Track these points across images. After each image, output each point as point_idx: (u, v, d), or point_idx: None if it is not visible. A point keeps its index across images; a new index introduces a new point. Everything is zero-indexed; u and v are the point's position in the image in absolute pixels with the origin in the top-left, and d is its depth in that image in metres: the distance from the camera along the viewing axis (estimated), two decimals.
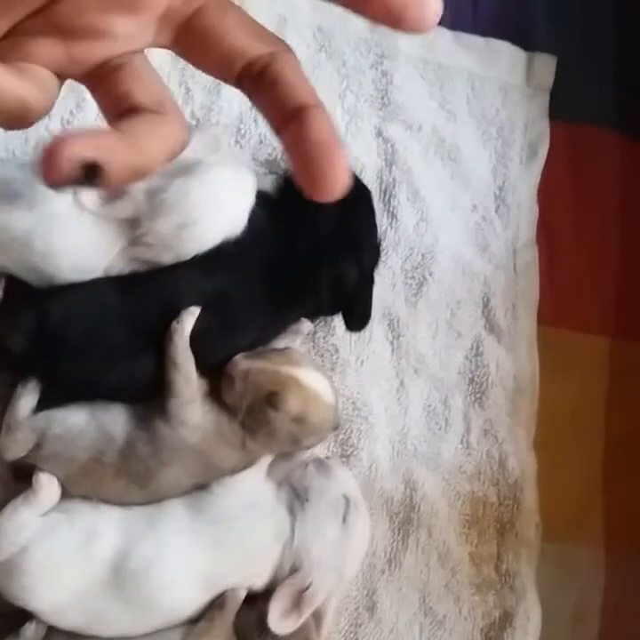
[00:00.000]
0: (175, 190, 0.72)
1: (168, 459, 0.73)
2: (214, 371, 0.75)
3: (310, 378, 0.74)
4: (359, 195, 0.86)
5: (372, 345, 0.88)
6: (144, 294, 0.74)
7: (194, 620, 0.73)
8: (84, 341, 0.72)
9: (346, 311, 0.83)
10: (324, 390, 0.75)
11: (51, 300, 0.72)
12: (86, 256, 0.73)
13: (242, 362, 0.74)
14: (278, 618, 0.72)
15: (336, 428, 0.79)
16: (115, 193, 0.71)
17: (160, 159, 0.31)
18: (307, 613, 0.73)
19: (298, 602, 0.72)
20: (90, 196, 0.70)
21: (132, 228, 0.72)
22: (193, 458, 0.73)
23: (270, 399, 0.72)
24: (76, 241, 0.72)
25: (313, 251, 0.80)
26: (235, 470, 0.75)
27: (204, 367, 0.74)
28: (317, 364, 0.84)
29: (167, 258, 0.73)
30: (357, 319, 0.84)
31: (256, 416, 0.73)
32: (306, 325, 0.83)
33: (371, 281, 0.84)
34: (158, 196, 0.71)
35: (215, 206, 0.73)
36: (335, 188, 0.28)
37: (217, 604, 0.73)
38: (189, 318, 0.73)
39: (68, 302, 0.72)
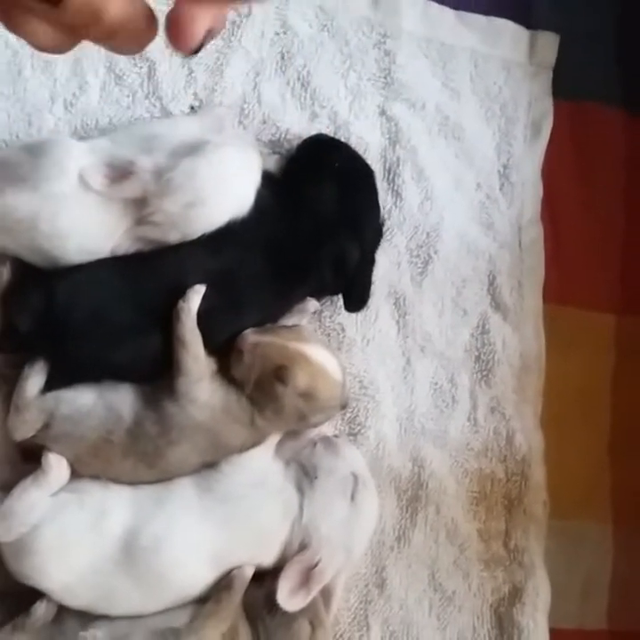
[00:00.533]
0: (183, 170, 0.71)
1: (176, 437, 0.73)
2: (222, 349, 0.75)
3: (319, 354, 0.74)
4: (362, 175, 0.86)
5: (379, 324, 0.88)
6: (150, 274, 0.74)
7: (203, 599, 0.73)
8: (91, 321, 0.72)
9: (345, 291, 0.83)
10: (332, 367, 0.75)
11: (57, 280, 0.72)
12: (92, 237, 0.73)
13: (251, 336, 0.74)
14: (287, 595, 0.72)
15: (344, 406, 0.79)
16: (122, 173, 0.71)
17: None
18: (315, 590, 0.73)
19: (307, 579, 0.73)
20: (96, 176, 0.70)
21: (138, 207, 0.72)
22: (201, 436, 0.73)
23: (278, 373, 0.72)
24: (81, 222, 0.72)
25: (315, 230, 0.80)
26: (243, 448, 0.75)
27: (211, 346, 0.74)
28: (324, 342, 0.84)
29: (174, 237, 0.73)
30: (355, 300, 0.84)
31: (264, 390, 0.73)
32: (312, 304, 0.83)
33: (371, 262, 0.85)
34: (166, 176, 0.71)
35: (223, 186, 0.73)
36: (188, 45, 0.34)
37: (224, 584, 0.73)
38: (195, 297, 0.73)
39: (75, 282, 0.72)
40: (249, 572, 0.74)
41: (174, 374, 0.73)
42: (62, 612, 0.72)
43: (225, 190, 0.74)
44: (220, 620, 0.72)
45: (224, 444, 0.75)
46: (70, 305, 0.72)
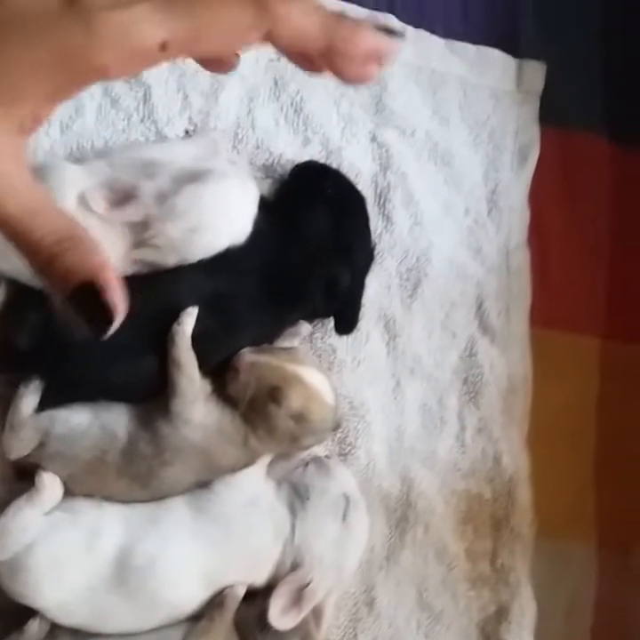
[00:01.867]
0: (187, 196, 0.73)
1: (170, 458, 0.74)
2: (216, 370, 0.77)
3: (313, 378, 0.76)
4: (353, 200, 0.88)
5: (369, 346, 0.90)
6: (147, 296, 0.75)
7: (195, 617, 0.74)
8: (88, 341, 0.72)
9: (336, 314, 0.85)
10: (325, 391, 0.76)
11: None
12: None
13: (248, 355, 0.76)
14: (279, 614, 0.73)
15: (335, 429, 0.80)
16: (124, 196, 0.72)
17: None
18: (307, 609, 0.74)
19: (298, 598, 0.74)
20: (99, 199, 0.71)
21: (137, 231, 0.73)
22: (195, 456, 0.74)
23: (273, 394, 0.74)
24: None
25: (308, 254, 0.81)
26: (236, 468, 0.76)
27: (206, 367, 0.76)
28: (318, 365, 0.85)
29: (172, 261, 0.74)
30: (346, 322, 0.86)
31: (258, 409, 0.74)
32: (305, 328, 0.85)
33: (361, 286, 0.86)
34: (170, 200, 0.73)
35: (225, 215, 0.76)
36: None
37: (216, 602, 0.74)
38: (189, 319, 0.74)
39: None
40: (241, 591, 0.75)
41: (169, 395, 0.74)
42: (56, 629, 0.73)
43: (226, 218, 0.76)
44: (213, 639, 0.73)
45: (217, 465, 0.76)
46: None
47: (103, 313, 0.34)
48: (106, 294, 0.34)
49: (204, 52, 0.36)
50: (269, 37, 0.36)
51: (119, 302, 0.35)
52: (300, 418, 0.75)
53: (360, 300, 0.86)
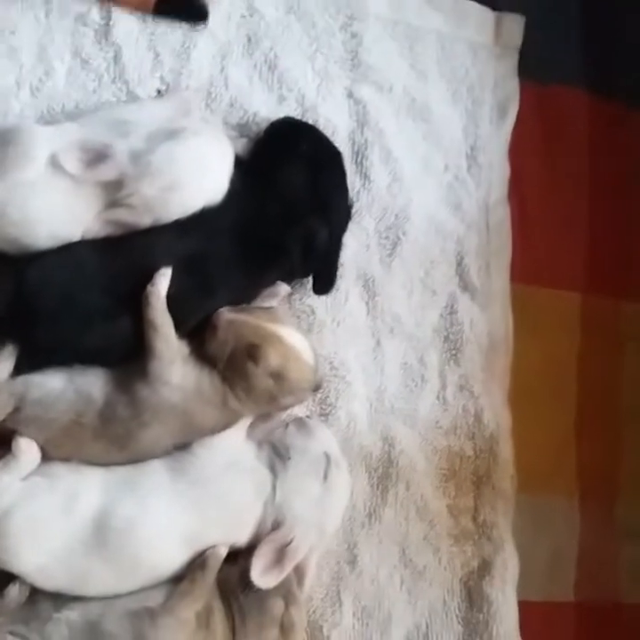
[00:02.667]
0: (162, 154, 0.73)
1: (149, 419, 0.73)
2: (193, 332, 0.76)
3: (292, 336, 0.76)
4: (330, 157, 0.87)
5: (348, 305, 0.89)
6: (120, 258, 0.74)
7: (178, 578, 0.74)
8: (61, 305, 0.72)
9: (314, 274, 0.84)
10: (304, 350, 0.76)
11: (27, 264, 0.72)
12: (62, 223, 0.73)
13: (226, 313, 0.75)
14: (261, 572, 0.73)
15: (316, 389, 0.80)
16: (97, 156, 0.71)
17: None
18: (288, 568, 0.74)
19: (280, 557, 0.74)
20: (72, 159, 0.71)
21: (110, 191, 0.72)
22: (174, 418, 0.74)
23: (251, 351, 0.74)
24: (51, 208, 0.72)
25: (284, 213, 0.80)
26: (215, 430, 0.76)
27: (182, 328, 0.75)
28: (297, 325, 0.84)
29: (147, 221, 0.74)
30: (323, 282, 0.85)
31: (236, 367, 0.74)
32: (283, 288, 0.84)
33: (339, 244, 0.86)
34: (144, 159, 0.72)
35: (201, 172, 0.75)
36: None
37: (198, 563, 0.74)
38: (162, 280, 0.73)
39: (45, 266, 0.72)
40: (223, 552, 0.75)
41: (146, 358, 0.74)
42: (36, 594, 0.73)
43: (202, 176, 0.75)
44: (195, 599, 0.73)
45: (197, 426, 0.76)
46: (40, 289, 0.72)
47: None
48: None
49: None
50: None
51: None
52: (278, 376, 0.75)
53: (338, 259, 0.86)
